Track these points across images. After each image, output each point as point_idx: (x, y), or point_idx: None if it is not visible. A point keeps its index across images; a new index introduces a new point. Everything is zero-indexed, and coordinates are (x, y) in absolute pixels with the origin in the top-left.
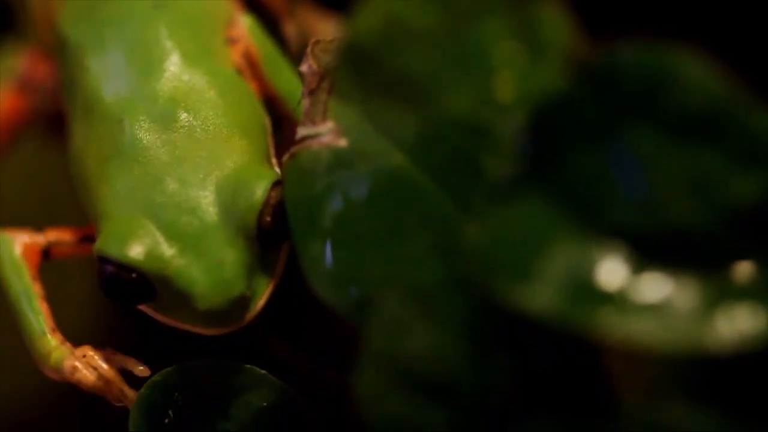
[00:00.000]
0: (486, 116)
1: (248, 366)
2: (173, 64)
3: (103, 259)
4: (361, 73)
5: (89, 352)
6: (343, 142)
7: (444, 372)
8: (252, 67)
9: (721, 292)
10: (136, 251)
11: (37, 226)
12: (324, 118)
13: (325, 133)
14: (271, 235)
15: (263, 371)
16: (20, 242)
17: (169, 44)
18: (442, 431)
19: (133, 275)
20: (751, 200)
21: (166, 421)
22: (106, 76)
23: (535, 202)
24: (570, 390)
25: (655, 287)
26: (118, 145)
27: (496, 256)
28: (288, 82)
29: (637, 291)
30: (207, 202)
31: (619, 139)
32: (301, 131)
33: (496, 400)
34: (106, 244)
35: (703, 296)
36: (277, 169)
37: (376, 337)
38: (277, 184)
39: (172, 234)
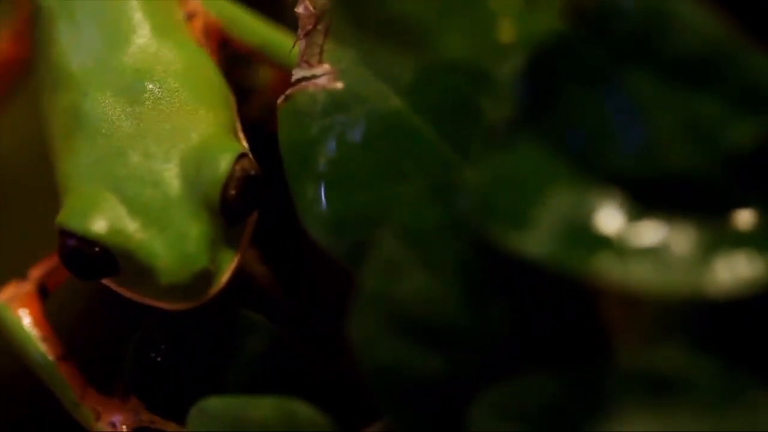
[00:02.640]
0: (484, 59)
1: (243, 311)
2: (141, 37)
3: (65, 233)
4: (357, 15)
5: (121, 416)
6: (339, 85)
7: (439, 316)
8: (216, 37)
9: (720, 238)
10: (98, 225)
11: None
12: (320, 61)
13: (321, 76)
14: (236, 209)
15: (259, 316)
16: (15, 303)
17: (137, 17)
18: (437, 376)
19: (96, 249)
20: (749, 145)
21: (159, 359)
22: (74, 47)
23: (533, 147)
24: (566, 336)
25: (653, 232)
26: (82, 118)
27: (492, 201)
28: (264, 34)
29: (634, 236)
30: (171, 175)
31: (616, 83)
32: (297, 73)
33: (491, 345)
34: (68, 218)
35: (701, 241)
36: (244, 143)
37: (371, 279)
38: (242, 157)
39: (135, 207)
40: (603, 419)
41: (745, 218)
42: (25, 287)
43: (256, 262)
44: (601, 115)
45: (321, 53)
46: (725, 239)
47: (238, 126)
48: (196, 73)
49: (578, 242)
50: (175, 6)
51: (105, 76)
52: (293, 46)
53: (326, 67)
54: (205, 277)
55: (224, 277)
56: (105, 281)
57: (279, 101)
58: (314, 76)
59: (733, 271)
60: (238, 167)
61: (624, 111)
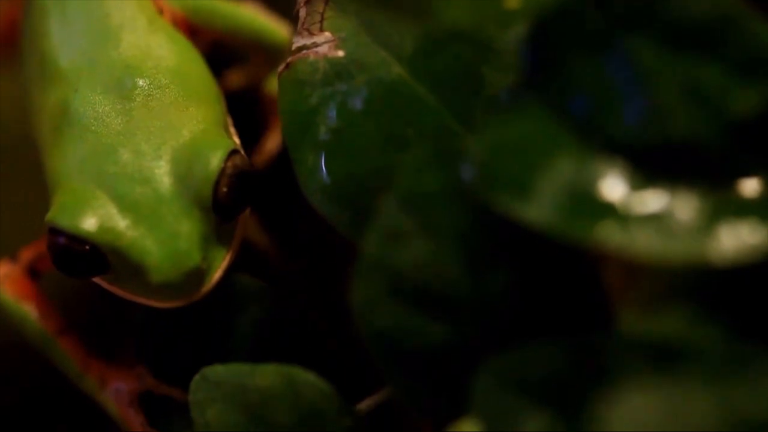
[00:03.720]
0: (486, 27)
1: (247, 277)
2: (132, 33)
3: (55, 231)
4: None
5: (125, 382)
6: (340, 53)
7: (440, 283)
8: (185, 29)
9: (724, 206)
10: (88, 223)
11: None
12: (321, 29)
13: (321, 44)
14: (228, 206)
15: (262, 283)
16: (6, 283)
17: (128, 13)
18: (438, 343)
19: (86, 247)
20: (752, 112)
21: (164, 329)
22: (65, 42)
23: (536, 114)
24: (568, 304)
25: (657, 200)
26: (72, 114)
27: (495, 168)
28: (229, 17)
29: (638, 203)
30: (161, 172)
31: (619, 50)
32: (298, 41)
33: (493, 313)
34: (57, 216)
35: (705, 209)
36: (236, 139)
37: (372, 245)
38: (233, 153)
39: (126, 205)
40: (605, 389)
41: (749, 186)
42: (15, 268)
43: (257, 229)
44: (603, 82)
45: (322, 21)
46: (729, 207)
47: (229, 121)
48: (186, 69)
49: (581, 209)
50: (149, 4)
51: (95, 72)
52: (296, 13)
53: (327, 35)
54: (197, 274)
55: (216, 275)
56: (96, 280)
57: (279, 70)
58: (315, 45)
59: (736, 238)
60: (229, 164)
61: (627, 78)
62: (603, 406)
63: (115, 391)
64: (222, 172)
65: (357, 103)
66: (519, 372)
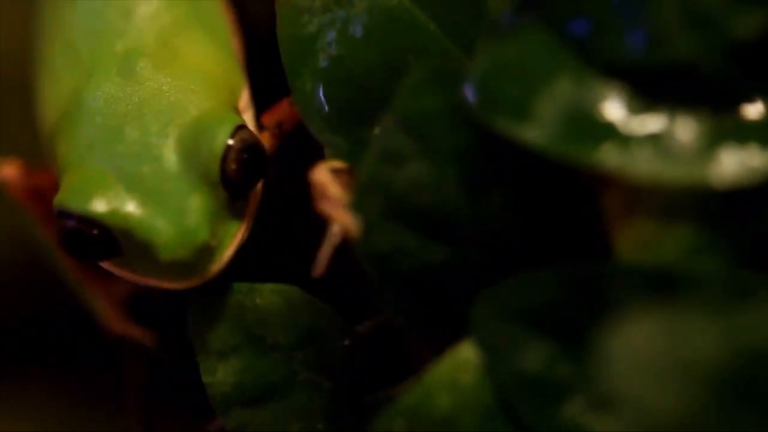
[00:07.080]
0: None
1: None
2: (156, 27)
3: (64, 214)
4: None
5: (116, 287)
6: None
7: (438, 205)
8: None
9: (725, 129)
10: (97, 204)
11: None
12: None
13: None
14: (238, 181)
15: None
16: (11, 183)
17: (155, 5)
18: (436, 266)
19: (95, 230)
20: (754, 36)
21: None
22: (88, 34)
23: (536, 36)
24: (567, 229)
25: (657, 122)
26: (82, 99)
27: (495, 89)
28: None
29: (637, 125)
30: (168, 150)
31: None
32: None
33: (491, 236)
34: (66, 198)
35: (705, 131)
36: (250, 116)
37: (370, 166)
38: (240, 128)
39: (134, 184)
40: (605, 318)
41: (750, 110)
42: (23, 176)
43: None
44: (604, 4)
45: None
46: (730, 130)
47: (247, 103)
48: (206, 60)
49: (581, 131)
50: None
51: (110, 60)
52: None
53: None
54: (207, 251)
55: (228, 252)
56: (106, 265)
57: None
58: None
59: (737, 160)
60: (236, 139)
61: (628, 0)
62: (603, 335)
63: (105, 295)
64: (229, 147)
65: (357, 30)
66: (518, 301)
